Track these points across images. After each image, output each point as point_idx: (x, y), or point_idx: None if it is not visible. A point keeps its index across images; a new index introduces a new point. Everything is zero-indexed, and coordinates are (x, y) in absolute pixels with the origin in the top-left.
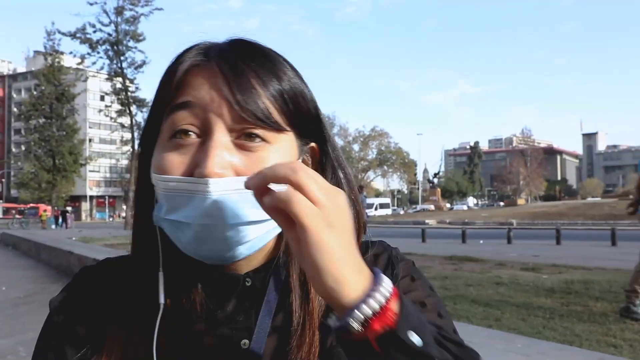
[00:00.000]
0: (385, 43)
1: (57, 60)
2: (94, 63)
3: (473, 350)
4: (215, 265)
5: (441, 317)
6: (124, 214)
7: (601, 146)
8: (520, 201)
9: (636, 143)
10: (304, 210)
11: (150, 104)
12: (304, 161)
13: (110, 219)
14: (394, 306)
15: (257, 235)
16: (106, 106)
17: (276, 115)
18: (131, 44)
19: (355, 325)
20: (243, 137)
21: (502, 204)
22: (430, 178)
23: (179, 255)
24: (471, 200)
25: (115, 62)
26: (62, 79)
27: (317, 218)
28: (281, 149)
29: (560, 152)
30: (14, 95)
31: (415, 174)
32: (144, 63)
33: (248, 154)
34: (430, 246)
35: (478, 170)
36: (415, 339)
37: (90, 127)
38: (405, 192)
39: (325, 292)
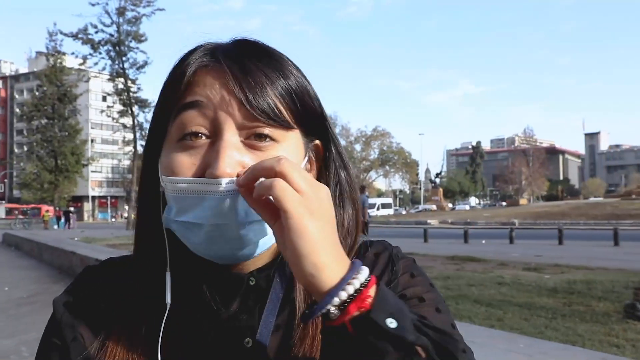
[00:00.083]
0: (387, 43)
1: (59, 61)
2: (96, 64)
3: (453, 338)
4: (220, 265)
5: (439, 311)
6: (126, 215)
7: (603, 146)
8: (523, 201)
9: (639, 143)
10: (286, 195)
11: (152, 105)
12: (309, 159)
13: (113, 220)
14: (371, 291)
15: (269, 233)
16: (108, 107)
17: (284, 113)
18: (133, 44)
19: (333, 309)
20: (252, 137)
21: (504, 204)
22: (432, 178)
23: (183, 256)
24: (473, 200)
25: (117, 62)
26: (64, 79)
27: (298, 204)
28: (289, 147)
29: (563, 152)
30: (16, 96)
31: (417, 174)
32: (145, 63)
33: (258, 153)
34: (432, 246)
35: (480, 170)
36: (390, 322)
37: (92, 128)
38: (407, 192)
39: (304, 277)
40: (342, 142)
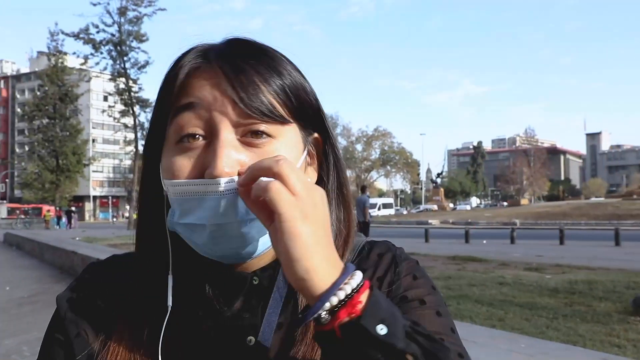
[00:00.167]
0: (389, 43)
1: (60, 60)
2: (97, 63)
3: (444, 346)
4: (223, 265)
5: (440, 315)
6: (127, 214)
7: (605, 146)
8: (524, 201)
9: None
10: (281, 198)
11: (153, 105)
12: (309, 152)
13: (114, 219)
14: (363, 297)
15: None
16: (109, 106)
17: (280, 109)
18: (134, 44)
19: (324, 314)
20: (249, 135)
21: (505, 204)
22: (434, 178)
23: (187, 256)
24: (474, 200)
25: (118, 62)
26: (65, 79)
27: (292, 207)
28: (286, 142)
29: (564, 152)
30: (18, 96)
31: (419, 174)
32: (147, 63)
33: (255, 150)
34: (433, 246)
35: (481, 170)
36: (381, 329)
37: (93, 128)
38: (409, 192)
39: (296, 281)
40: (343, 142)
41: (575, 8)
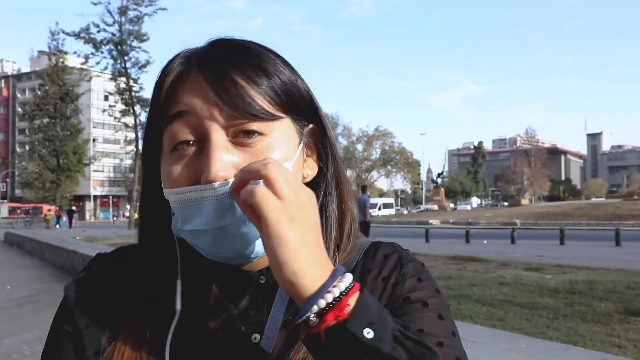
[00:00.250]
0: (389, 43)
1: (61, 60)
2: (98, 63)
3: (433, 351)
4: (230, 264)
5: (441, 318)
6: (127, 214)
7: (606, 146)
8: (524, 201)
9: None
10: (266, 203)
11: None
12: (307, 144)
13: (114, 219)
14: (351, 300)
15: None
16: (110, 106)
17: (267, 106)
18: (135, 43)
19: (312, 317)
20: (240, 135)
21: (505, 204)
22: (434, 178)
23: (193, 256)
24: (475, 201)
25: (119, 61)
26: (66, 78)
27: (278, 211)
28: (279, 138)
29: (565, 152)
30: (18, 95)
31: (419, 174)
32: (147, 63)
33: (247, 150)
34: (433, 246)
35: (482, 170)
36: (367, 332)
37: (94, 127)
38: (409, 192)
39: (284, 284)
40: (344, 142)
41: (575, 8)
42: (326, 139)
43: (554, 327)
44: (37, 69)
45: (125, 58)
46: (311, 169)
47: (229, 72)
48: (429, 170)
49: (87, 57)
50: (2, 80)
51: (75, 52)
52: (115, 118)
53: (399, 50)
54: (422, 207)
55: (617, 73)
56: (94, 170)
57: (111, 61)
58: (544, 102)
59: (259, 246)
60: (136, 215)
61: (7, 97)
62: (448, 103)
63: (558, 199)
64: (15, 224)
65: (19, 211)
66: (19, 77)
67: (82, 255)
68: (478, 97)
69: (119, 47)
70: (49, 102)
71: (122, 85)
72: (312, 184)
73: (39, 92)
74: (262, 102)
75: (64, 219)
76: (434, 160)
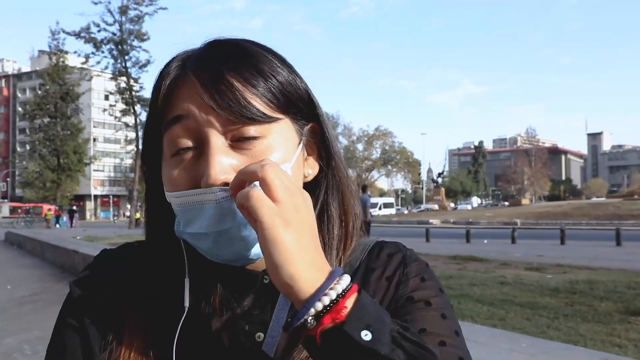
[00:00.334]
0: (389, 43)
1: (61, 59)
2: (98, 62)
3: (432, 352)
4: (235, 265)
5: (444, 317)
6: (128, 213)
7: (606, 146)
8: (525, 201)
9: None
10: (260, 206)
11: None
12: (307, 142)
13: (115, 218)
14: (349, 302)
15: None
16: (110, 105)
17: (265, 108)
18: (135, 43)
19: (310, 319)
20: (239, 139)
21: (506, 203)
22: (435, 178)
23: (198, 257)
24: (475, 200)
25: (119, 61)
26: (66, 78)
27: (274, 215)
28: (278, 139)
29: (565, 152)
30: (19, 95)
31: (420, 174)
32: (148, 62)
33: (246, 153)
34: (434, 246)
35: (482, 170)
36: (365, 335)
37: (94, 127)
38: (409, 191)
39: (281, 287)
40: (344, 142)
41: (575, 8)
42: (325, 136)
43: (555, 327)
44: (38, 68)
45: (126, 57)
46: (312, 168)
47: (225, 74)
48: (430, 170)
49: (87, 57)
50: (3, 80)
51: (75, 52)
52: (115, 117)
53: (399, 50)
54: (423, 206)
55: (618, 73)
56: (95, 170)
57: (111, 61)
58: (545, 102)
59: (258, 248)
60: (137, 215)
61: (7, 96)
62: (448, 103)
63: (558, 198)
64: (15, 224)
65: (19, 211)
66: (19, 76)
67: (82, 255)
68: (478, 97)
69: (120, 47)
70: (49, 102)
71: (123, 85)
72: (314, 183)
73: (39, 92)
74: (259, 104)
75: (64, 218)
76: (434, 160)
